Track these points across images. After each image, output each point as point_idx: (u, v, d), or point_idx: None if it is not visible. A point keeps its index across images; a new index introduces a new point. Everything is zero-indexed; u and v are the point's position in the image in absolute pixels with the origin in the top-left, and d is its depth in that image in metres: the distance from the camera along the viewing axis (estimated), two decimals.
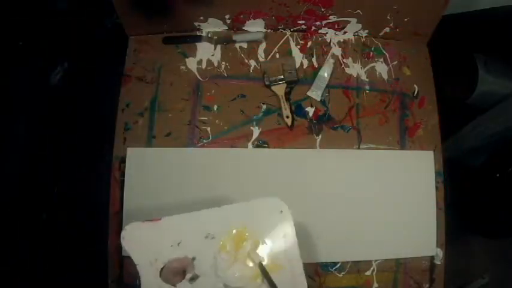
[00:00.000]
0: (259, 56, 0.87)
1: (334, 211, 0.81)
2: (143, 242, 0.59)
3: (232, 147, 0.82)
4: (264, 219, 0.62)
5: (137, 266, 0.58)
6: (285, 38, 0.89)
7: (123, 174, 0.78)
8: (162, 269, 0.59)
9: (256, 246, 0.61)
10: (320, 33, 0.90)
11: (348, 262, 0.81)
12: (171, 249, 0.59)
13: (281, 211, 0.62)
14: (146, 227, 0.59)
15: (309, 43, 0.89)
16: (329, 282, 0.81)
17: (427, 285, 0.83)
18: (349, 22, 0.87)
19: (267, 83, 0.85)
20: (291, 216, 0.61)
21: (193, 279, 0.59)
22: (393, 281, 0.82)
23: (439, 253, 0.83)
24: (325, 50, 0.89)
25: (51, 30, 1.03)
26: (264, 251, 0.61)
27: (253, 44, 0.87)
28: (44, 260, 1.02)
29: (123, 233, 0.59)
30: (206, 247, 0.60)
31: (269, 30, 0.88)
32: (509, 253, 1.35)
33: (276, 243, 0.61)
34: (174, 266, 0.59)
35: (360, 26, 0.88)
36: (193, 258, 0.60)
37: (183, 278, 0.59)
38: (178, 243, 0.60)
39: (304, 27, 0.88)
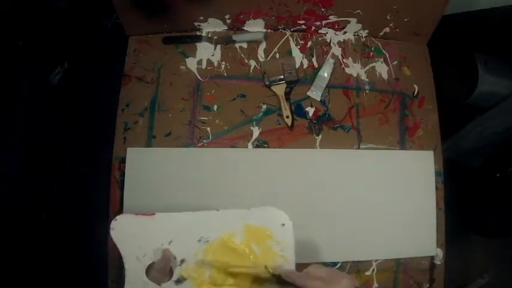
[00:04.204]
0: (259, 56, 0.87)
1: (334, 211, 0.81)
2: (133, 235, 0.57)
3: (232, 147, 0.82)
4: (263, 230, 0.58)
5: (123, 259, 0.56)
6: (285, 38, 0.88)
7: (123, 174, 0.78)
8: (149, 266, 0.57)
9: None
10: (320, 33, 0.90)
11: (348, 262, 0.81)
12: (161, 247, 0.57)
13: (283, 224, 0.57)
14: (139, 220, 0.57)
15: (309, 43, 0.89)
16: None
17: (427, 285, 0.83)
18: (349, 22, 0.87)
19: (267, 83, 0.85)
20: (292, 231, 0.57)
21: (179, 281, 0.57)
22: (393, 281, 0.82)
23: (439, 253, 0.82)
24: (325, 50, 0.89)
25: (51, 30, 1.03)
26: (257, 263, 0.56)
27: (253, 44, 0.87)
28: (44, 260, 1.02)
29: (113, 223, 0.56)
30: (197, 250, 0.57)
31: (269, 30, 0.88)
32: (509, 253, 1.35)
33: (271, 258, 0.56)
34: (162, 265, 0.56)
35: (360, 26, 0.88)
36: (183, 260, 0.57)
37: (170, 278, 0.57)
38: (170, 242, 0.57)
39: (304, 27, 0.88)
